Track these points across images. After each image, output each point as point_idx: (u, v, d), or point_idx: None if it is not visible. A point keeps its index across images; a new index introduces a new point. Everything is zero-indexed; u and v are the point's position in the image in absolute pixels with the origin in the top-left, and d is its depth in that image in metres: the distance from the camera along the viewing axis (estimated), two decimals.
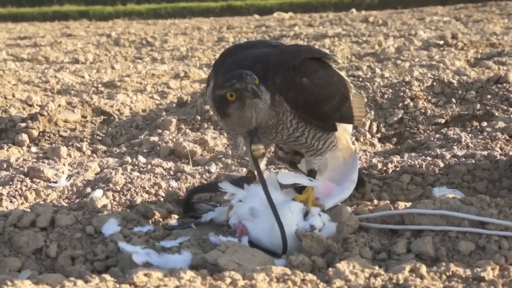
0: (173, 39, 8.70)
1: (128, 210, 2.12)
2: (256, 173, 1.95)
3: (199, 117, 3.50)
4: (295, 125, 1.82)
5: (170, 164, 2.72)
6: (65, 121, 3.43)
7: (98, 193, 2.30)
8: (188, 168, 2.64)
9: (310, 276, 1.47)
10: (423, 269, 1.47)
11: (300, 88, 1.78)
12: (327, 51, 5.84)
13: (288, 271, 1.49)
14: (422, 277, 1.42)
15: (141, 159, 2.81)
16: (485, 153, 2.65)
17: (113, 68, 5.73)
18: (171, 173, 2.60)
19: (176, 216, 2.11)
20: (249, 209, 1.85)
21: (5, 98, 3.72)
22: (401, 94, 3.62)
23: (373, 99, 3.58)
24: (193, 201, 2.14)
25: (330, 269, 1.52)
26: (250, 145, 1.90)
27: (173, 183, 2.41)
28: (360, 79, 4.18)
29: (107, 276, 1.50)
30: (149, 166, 2.68)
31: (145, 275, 1.46)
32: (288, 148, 2.24)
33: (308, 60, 1.85)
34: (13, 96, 3.81)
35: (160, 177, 2.49)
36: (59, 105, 3.55)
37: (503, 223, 1.72)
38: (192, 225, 2.03)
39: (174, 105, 3.87)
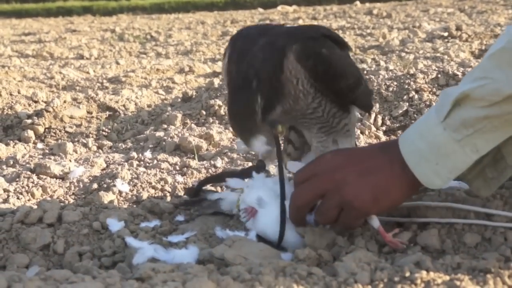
0: (177, 33, 8.73)
1: (134, 206, 2.13)
2: (275, 152, 1.90)
3: (204, 112, 3.51)
4: (312, 93, 1.80)
5: (176, 159, 2.73)
6: (71, 117, 3.46)
7: (125, 187, 2.33)
8: (194, 163, 2.65)
9: (316, 270, 1.46)
10: (429, 261, 1.47)
11: (320, 58, 1.76)
12: None
13: (295, 265, 1.49)
14: (428, 270, 1.42)
15: (147, 154, 2.83)
16: None
17: (117, 63, 5.77)
18: (177, 168, 2.61)
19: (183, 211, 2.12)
20: (257, 198, 1.84)
21: (11, 94, 3.74)
22: (406, 86, 3.62)
23: (378, 91, 3.58)
24: (202, 191, 2.13)
25: (336, 262, 1.53)
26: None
27: (179, 178, 2.41)
28: (365, 72, 4.18)
29: (114, 272, 1.51)
30: (155, 161, 2.69)
31: (152, 270, 1.46)
32: (299, 143, 2.21)
33: (327, 37, 1.83)
34: (19, 92, 3.84)
35: (166, 172, 2.51)
36: (65, 101, 3.59)
37: (509, 214, 1.72)
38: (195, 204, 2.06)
39: (179, 100, 3.89)
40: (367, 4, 13.91)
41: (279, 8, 13.41)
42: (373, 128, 3.07)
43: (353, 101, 1.92)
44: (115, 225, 1.90)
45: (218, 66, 5.52)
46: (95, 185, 2.35)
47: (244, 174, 2.04)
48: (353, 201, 1.69)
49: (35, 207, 2.03)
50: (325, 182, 1.74)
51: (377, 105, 3.45)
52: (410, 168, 1.69)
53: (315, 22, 8.90)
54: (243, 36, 1.95)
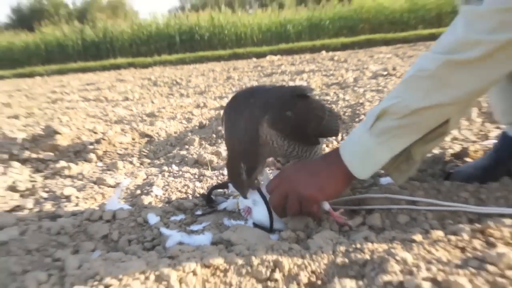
0: (195, 79, 8.67)
1: (166, 205, 2.12)
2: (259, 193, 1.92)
3: (214, 135, 3.47)
4: (286, 144, 1.77)
5: (195, 170, 2.68)
6: (120, 143, 3.45)
7: (159, 191, 2.32)
8: (208, 173, 2.61)
9: (295, 246, 1.49)
10: (373, 236, 1.50)
11: (286, 121, 1.74)
12: (305, 83, 5.90)
13: (280, 243, 1.51)
14: (372, 242, 1.44)
15: (174, 167, 2.79)
16: None
17: (153, 102, 5.74)
18: (196, 176, 2.56)
19: (201, 207, 2.12)
20: (252, 200, 1.85)
21: (78, 128, 3.73)
22: (357, 112, 3.63)
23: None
24: (212, 196, 2.14)
25: (309, 240, 1.56)
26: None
27: (198, 184, 2.38)
28: (328, 102, 4.20)
29: (153, 253, 1.53)
30: (180, 172, 2.67)
31: (179, 250, 1.49)
32: (284, 160, 2.20)
33: (289, 97, 1.81)
34: (83, 127, 3.81)
35: (188, 180, 2.48)
36: (116, 132, 3.57)
37: (427, 200, 1.75)
38: (211, 212, 2.04)
39: (197, 127, 3.87)
40: (330, 53, 14.01)
41: (268, 58, 13.53)
42: (335, 143, 3.08)
43: (319, 135, 1.91)
44: (153, 219, 1.91)
45: (224, 102, 5.50)
46: (138, 191, 2.32)
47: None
48: (305, 194, 1.71)
49: (97, 208, 2.05)
50: (286, 186, 1.75)
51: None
52: (346, 165, 1.71)
53: (293, 67, 8.95)
54: (233, 107, 1.93)
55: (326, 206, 1.80)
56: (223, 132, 2.32)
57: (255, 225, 1.83)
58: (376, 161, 1.70)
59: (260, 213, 1.83)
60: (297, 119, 1.79)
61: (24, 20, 45.14)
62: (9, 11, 53.48)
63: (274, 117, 1.77)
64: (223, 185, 2.16)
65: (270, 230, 1.81)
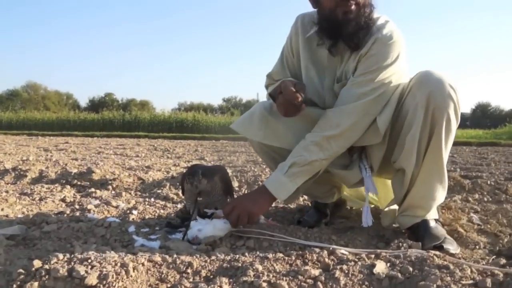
0: (177, 149, 8.86)
1: (139, 221, 2.21)
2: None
3: (178, 183, 3.56)
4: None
5: (163, 203, 2.75)
6: (126, 181, 3.56)
7: (137, 213, 2.36)
8: (169, 205, 2.68)
9: (202, 253, 1.59)
10: (246, 252, 1.58)
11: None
12: None
13: (194, 251, 1.64)
14: (244, 256, 1.53)
15: (152, 199, 2.82)
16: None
17: (150, 160, 5.81)
18: (162, 206, 2.66)
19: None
20: (197, 229, 1.83)
21: (105, 171, 3.85)
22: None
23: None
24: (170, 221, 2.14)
25: (211, 251, 1.67)
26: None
27: (162, 211, 2.44)
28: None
29: (125, 249, 1.68)
30: (154, 203, 2.70)
31: (139, 249, 1.64)
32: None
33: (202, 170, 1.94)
34: (108, 170, 3.90)
35: (157, 208, 2.61)
36: (125, 175, 3.66)
37: (279, 235, 1.81)
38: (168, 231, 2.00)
39: (170, 177, 3.89)
40: None
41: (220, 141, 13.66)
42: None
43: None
44: (131, 229, 2.01)
45: (188, 164, 5.59)
46: (128, 211, 2.42)
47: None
48: (252, 212, 1.80)
49: (101, 218, 2.15)
50: (239, 209, 1.80)
51: None
52: (271, 192, 1.82)
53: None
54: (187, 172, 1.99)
55: (261, 218, 1.94)
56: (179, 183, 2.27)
57: (188, 240, 1.84)
58: (288, 189, 1.83)
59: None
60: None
61: (94, 106, 55.26)
62: (87, 100, 66.19)
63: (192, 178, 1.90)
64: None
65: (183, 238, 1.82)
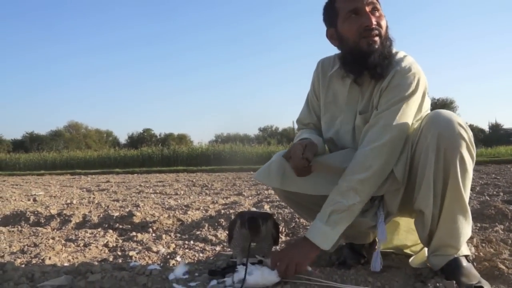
0: (215, 183, 8.95)
1: (180, 267, 2.24)
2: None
3: (216, 224, 3.49)
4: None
5: (202, 244, 2.80)
6: (166, 223, 3.61)
7: (178, 258, 2.44)
8: (208, 247, 2.72)
9: None
10: None
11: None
12: None
13: None
14: None
15: (191, 242, 2.87)
16: None
17: (189, 197, 5.85)
18: (201, 249, 2.68)
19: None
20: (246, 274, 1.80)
21: (145, 213, 3.90)
22: None
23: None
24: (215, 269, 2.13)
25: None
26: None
27: (201, 254, 2.48)
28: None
29: None
30: (193, 245, 2.80)
31: None
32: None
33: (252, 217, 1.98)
34: (148, 212, 3.98)
35: (196, 251, 2.62)
36: (164, 217, 3.70)
37: (321, 280, 1.82)
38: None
39: (208, 217, 3.94)
40: None
41: None
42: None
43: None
44: (171, 276, 2.06)
45: (225, 201, 5.62)
46: (168, 256, 2.49)
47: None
48: (299, 262, 1.80)
49: (142, 267, 2.23)
50: (286, 259, 1.81)
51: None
52: (314, 243, 1.81)
53: None
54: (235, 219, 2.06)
55: (308, 268, 1.88)
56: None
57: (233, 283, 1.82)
58: (332, 239, 1.83)
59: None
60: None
61: (133, 142, 57.61)
62: (126, 137, 68.58)
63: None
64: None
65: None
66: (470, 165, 1.70)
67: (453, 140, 1.65)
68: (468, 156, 1.69)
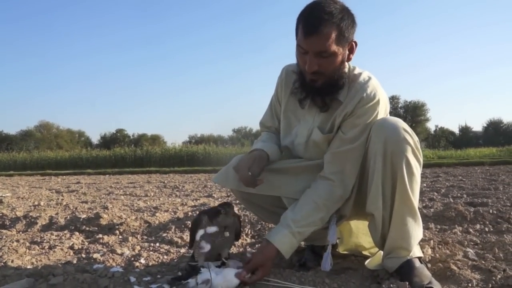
0: (186, 185, 8.79)
1: (143, 268, 2.24)
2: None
3: (183, 225, 3.61)
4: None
5: (167, 247, 2.80)
6: (133, 225, 3.59)
7: (142, 260, 2.41)
8: (172, 250, 2.72)
9: None
10: None
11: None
12: None
13: None
14: None
15: (156, 244, 2.90)
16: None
17: (159, 199, 5.80)
18: (166, 251, 2.69)
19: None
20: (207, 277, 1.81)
21: (112, 215, 3.83)
22: None
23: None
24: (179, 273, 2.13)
25: None
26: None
27: (165, 256, 2.48)
28: None
29: None
30: (158, 248, 2.78)
31: None
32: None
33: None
34: (115, 214, 3.93)
35: (160, 254, 2.62)
36: (131, 219, 3.69)
37: (276, 280, 1.86)
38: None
39: (176, 219, 3.94)
40: None
41: None
42: None
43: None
44: (132, 279, 2.06)
45: (196, 202, 5.63)
46: (132, 258, 2.49)
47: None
48: (268, 272, 1.87)
49: (104, 269, 2.22)
50: (261, 269, 1.84)
51: None
52: (279, 250, 1.86)
53: None
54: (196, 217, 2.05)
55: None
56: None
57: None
58: (292, 245, 1.90)
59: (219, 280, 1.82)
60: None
61: (106, 142, 57.76)
62: (99, 137, 68.76)
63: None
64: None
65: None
66: (416, 168, 1.76)
67: (399, 144, 1.71)
68: (414, 160, 1.75)
